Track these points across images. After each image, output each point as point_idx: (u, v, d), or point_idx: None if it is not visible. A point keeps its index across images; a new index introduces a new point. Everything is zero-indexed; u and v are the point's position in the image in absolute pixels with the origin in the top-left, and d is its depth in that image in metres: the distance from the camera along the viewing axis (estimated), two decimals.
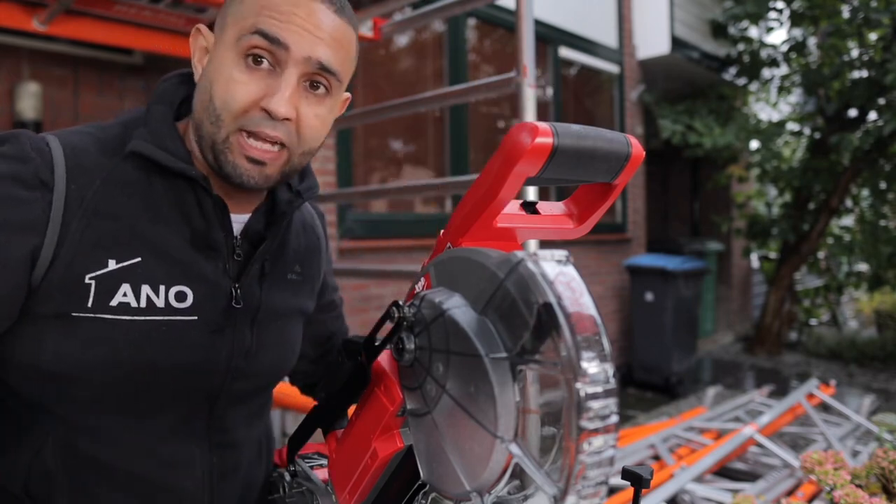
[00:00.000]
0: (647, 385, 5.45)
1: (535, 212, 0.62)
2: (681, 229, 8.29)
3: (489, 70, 4.91)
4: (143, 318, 0.76)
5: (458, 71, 4.42)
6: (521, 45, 1.86)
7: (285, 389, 2.42)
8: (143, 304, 0.77)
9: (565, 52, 5.46)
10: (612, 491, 2.75)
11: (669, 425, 3.45)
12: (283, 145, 0.79)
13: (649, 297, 5.42)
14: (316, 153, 0.85)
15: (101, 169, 0.78)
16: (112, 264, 0.75)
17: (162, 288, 0.78)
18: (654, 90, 6.46)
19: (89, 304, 0.74)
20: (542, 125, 0.51)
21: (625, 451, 3.11)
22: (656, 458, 3.07)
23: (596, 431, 0.42)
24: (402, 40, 4.38)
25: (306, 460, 0.82)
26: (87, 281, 0.74)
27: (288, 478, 0.82)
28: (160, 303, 0.77)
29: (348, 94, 0.89)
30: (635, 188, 6.18)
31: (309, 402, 2.33)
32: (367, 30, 2.46)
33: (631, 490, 0.63)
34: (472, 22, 4.71)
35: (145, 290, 0.77)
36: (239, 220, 0.87)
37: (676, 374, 5.36)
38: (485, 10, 4.52)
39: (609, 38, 5.93)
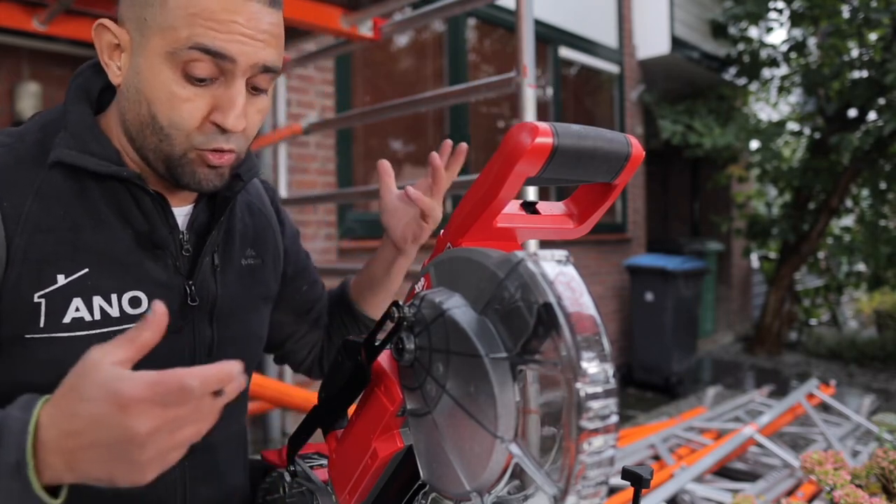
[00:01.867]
0: (647, 385, 5.45)
1: (535, 212, 0.62)
2: (681, 229, 8.29)
3: (489, 70, 4.91)
4: (98, 330, 0.73)
5: (458, 71, 4.42)
6: (521, 45, 1.86)
7: (285, 389, 2.43)
8: (97, 316, 0.74)
9: (565, 52, 5.46)
10: (612, 491, 2.75)
11: (669, 425, 3.45)
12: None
13: (649, 297, 5.41)
14: None
15: (29, 182, 0.74)
16: (61, 279, 0.72)
17: (114, 297, 0.75)
18: (654, 90, 6.46)
19: (41, 325, 0.71)
20: (542, 125, 0.51)
21: (625, 451, 3.11)
22: (656, 458, 3.07)
23: (596, 431, 0.42)
24: (402, 40, 4.38)
25: (306, 460, 0.82)
26: (36, 300, 0.71)
27: (288, 478, 0.82)
28: (114, 312, 0.75)
29: None
30: (635, 188, 6.18)
31: (309, 402, 2.33)
32: (367, 30, 2.46)
33: (631, 490, 0.63)
34: (472, 22, 4.71)
35: (97, 301, 0.74)
36: (182, 213, 0.84)
37: (676, 374, 5.36)
38: (485, 10, 4.52)
39: (609, 38, 5.93)
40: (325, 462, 0.80)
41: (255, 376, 2.49)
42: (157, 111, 0.73)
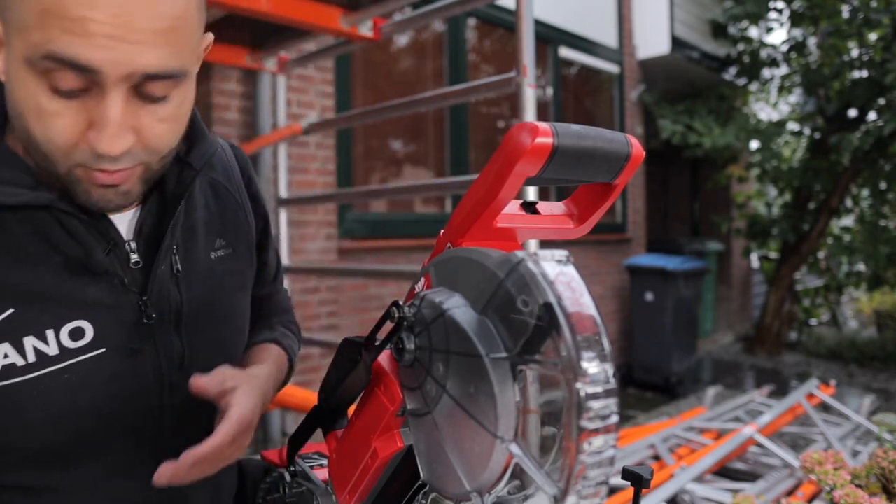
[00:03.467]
0: (647, 385, 5.45)
1: (535, 212, 0.62)
2: (681, 229, 8.29)
3: (489, 70, 4.91)
4: (35, 374, 0.65)
5: (458, 71, 4.42)
6: (521, 45, 1.86)
7: (285, 389, 2.42)
8: (31, 358, 0.65)
9: (565, 52, 5.45)
10: (612, 491, 2.75)
11: (669, 425, 3.45)
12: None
13: (649, 297, 5.41)
14: (180, 145, 0.73)
15: None
16: None
17: (50, 333, 0.66)
18: (654, 90, 6.46)
19: None
20: (543, 125, 0.51)
21: (625, 451, 3.11)
22: (656, 458, 3.07)
23: (596, 431, 0.42)
24: (402, 40, 4.38)
25: (306, 460, 0.82)
26: None
27: (288, 478, 0.82)
28: (52, 350, 0.66)
29: (209, 36, 0.73)
30: (635, 188, 6.18)
31: (309, 402, 2.33)
32: (367, 30, 2.46)
33: (631, 490, 0.63)
34: (472, 22, 4.71)
35: (30, 342, 0.65)
36: (126, 220, 0.74)
37: (676, 374, 5.36)
38: (485, 10, 4.52)
39: (609, 38, 5.93)
40: (325, 462, 0.80)
41: None
42: (30, 125, 0.62)
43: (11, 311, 0.65)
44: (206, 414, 0.75)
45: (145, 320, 0.72)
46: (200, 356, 0.78)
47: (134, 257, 0.73)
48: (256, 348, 0.93)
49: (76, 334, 0.68)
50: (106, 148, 0.60)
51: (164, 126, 0.65)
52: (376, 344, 0.59)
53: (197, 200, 0.81)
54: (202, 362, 0.76)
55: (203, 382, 0.70)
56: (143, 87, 0.61)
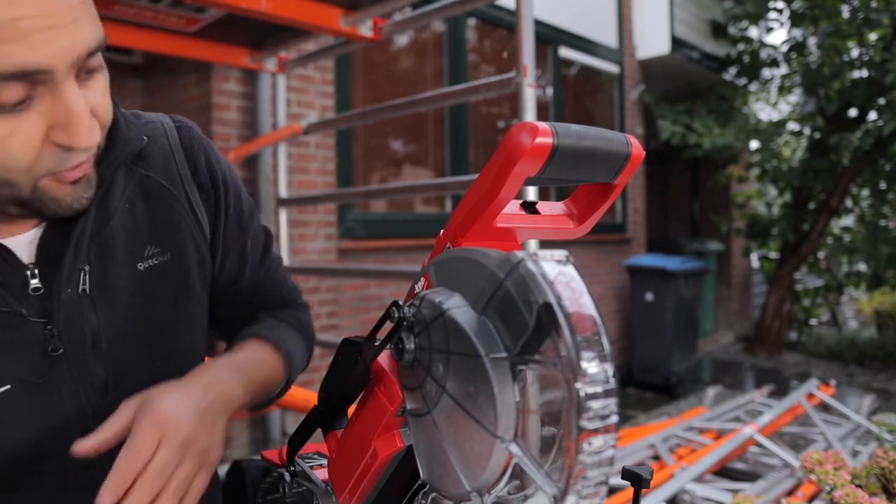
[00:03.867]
0: (647, 385, 5.45)
1: (535, 212, 0.62)
2: (681, 229, 8.29)
3: (489, 70, 4.91)
4: None
5: (458, 71, 4.42)
6: (521, 45, 1.86)
7: None
8: None
9: (565, 52, 5.46)
10: (612, 491, 2.75)
11: (669, 425, 3.45)
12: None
13: (649, 297, 5.41)
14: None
15: None
16: None
17: None
18: (653, 90, 6.46)
19: None
20: (542, 125, 0.51)
21: (625, 451, 3.11)
22: (656, 458, 3.07)
23: (596, 431, 0.42)
24: (402, 40, 4.38)
25: (306, 460, 0.82)
26: None
27: (288, 478, 0.82)
28: None
29: None
30: (635, 188, 6.18)
31: (308, 402, 2.32)
32: (367, 30, 2.46)
33: (631, 490, 0.63)
34: (472, 22, 4.71)
35: None
36: (25, 242, 0.67)
37: (676, 374, 5.36)
38: (485, 10, 4.52)
39: (609, 38, 5.93)
40: (324, 462, 0.80)
41: None
42: None
43: None
44: None
45: (52, 352, 0.66)
46: (130, 380, 0.71)
47: (34, 283, 0.66)
48: (229, 348, 0.84)
49: None
50: (86, 142, 0.58)
51: (105, 98, 0.63)
52: (376, 344, 0.59)
53: (115, 207, 0.72)
54: (133, 387, 0.69)
55: (91, 442, 0.60)
56: (83, 67, 0.59)
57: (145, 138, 0.75)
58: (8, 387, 0.64)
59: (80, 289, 0.68)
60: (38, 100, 0.56)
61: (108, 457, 0.65)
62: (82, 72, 0.59)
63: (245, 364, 0.77)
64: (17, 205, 0.62)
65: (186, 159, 0.79)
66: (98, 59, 0.61)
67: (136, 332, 0.72)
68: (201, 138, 0.83)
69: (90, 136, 0.58)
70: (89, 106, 0.59)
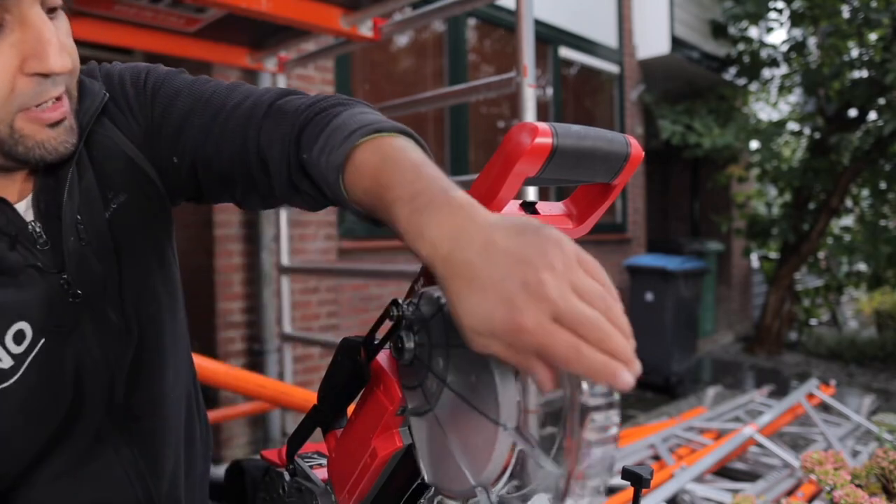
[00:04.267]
0: (647, 385, 5.45)
1: (535, 212, 0.62)
2: (681, 229, 8.29)
3: (489, 70, 4.91)
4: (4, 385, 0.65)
5: (458, 71, 4.42)
6: (521, 45, 1.86)
7: (285, 389, 2.43)
8: None
9: (565, 52, 5.46)
10: (612, 491, 2.75)
11: (669, 425, 3.45)
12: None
13: (649, 297, 5.41)
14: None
15: None
16: None
17: None
18: (653, 90, 6.46)
19: None
20: (542, 125, 0.51)
21: (625, 451, 3.11)
22: (656, 458, 3.07)
23: (597, 443, 0.42)
24: (402, 40, 4.38)
25: (306, 460, 0.82)
26: None
27: (287, 477, 0.82)
28: (6, 363, 0.65)
29: None
30: (635, 188, 6.18)
31: (308, 402, 2.32)
32: (367, 30, 2.46)
33: (631, 490, 0.63)
34: (472, 22, 4.71)
35: None
36: (25, 205, 0.70)
37: (676, 374, 5.36)
38: (485, 10, 4.52)
39: (609, 38, 5.93)
40: (324, 461, 0.80)
41: (255, 376, 2.49)
42: None
43: None
44: (158, 375, 0.76)
45: (70, 299, 0.69)
46: (135, 324, 0.75)
47: (42, 238, 0.69)
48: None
49: (19, 337, 0.66)
50: (57, 64, 0.59)
51: (69, 40, 0.64)
52: (375, 343, 0.59)
53: (92, 157, 0.74)
54: (139, 328, 0.75)
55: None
56: (45, 2, 0.61)
57: (106, 94, 0.75)
58: (44, 340, 0.67)
59: (81, 238, 0.71)
60: (7, 30, 0.58)
61: (140, 404, 0.74)
62: (44, 6, 0.60)
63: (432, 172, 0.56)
64: (2, 154, 0.63)
65: (114, 93, 0.77)
66: (58, 1, 0.62)
67: (128, 277, 0.74)
68: (116, 70, 0.80)
69: (61, 59, 0.60)
70: (54, 30, 0.60)
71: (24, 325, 0.67)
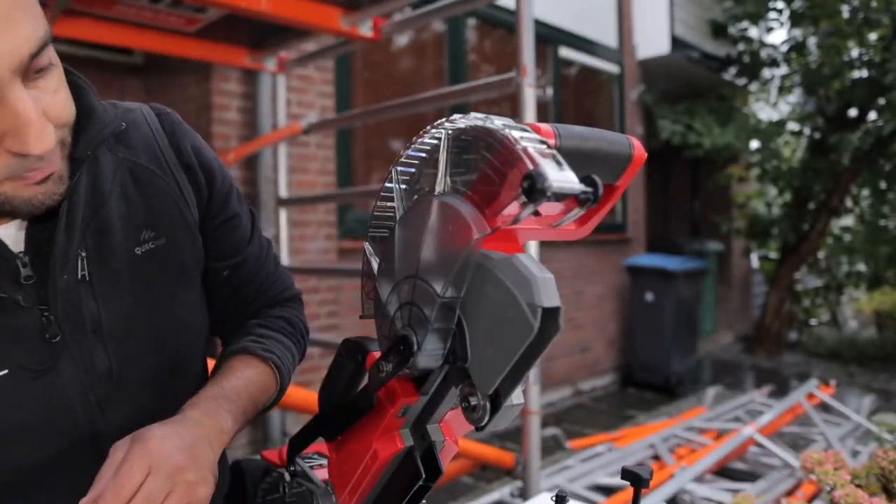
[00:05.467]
0: (647, 385, 5.45)
1: (537, 213, 0.61)
2: (681, 229, 8.29)
3: (489, 70, 4.91)
4: None
5: (458, 71, 4.42)
6: (521, 45, 1.86)
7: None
8: None
9: (565, 52, 5.45)
10: (612, 491, 2.75)
11: (669, 425, 3.45)
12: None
13: (649, 297, 5.42)
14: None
15: None
16: None
17: None
18: (653, 90, 6.46)
19: None
20: (545, 126, 0.51)
21: (625, 451, 3.12)
22: (656, 458, 3.07)
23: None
24: (402, 40, 4.38)
25: (306, 460, 0.82)
26: None
27: (288, 478, 0.82)
28: None
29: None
30: (635, 188, 6.18)
31: (308, 402, 2.31)
32: (367, 30, 2.46)
33: (631, 490, 0.62)
34: (472, 22, 4.71)
35: None
36: (11, 231, 0.66)
37: (676, 374, 5.36)
38: (485, 10, 4.52)
39: (609, 38, 5.93)
40: (325, 462, 0.80)
41: None
42: None
43: None
44: (157, 409, 0.71)
45: (48, 336, 0.65)
46: (134, 366, 0.72)
47: (25, 272, 0.65)
48: (219, 368, 0.82)
49: None
50: (37, 148, 0.55)
51: (60, 95, 0.61)
52: (381, 376, 0.57)
53: (107, 192, 0.72)
54: (138, 373, 0.72)
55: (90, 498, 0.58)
56: (30, 68, 0.56)
57: (124, 124, 0.74)
58: (6, 371, 0.63)
59: (80, 275, 0.67)
60: None
61: (126, 432, 0.67)
62: (31, 72, 0.56)
63: (234, 391, 0.76)
64: None
65: (170, 143, 0.79)
66: (47, 57, 0.58)
67: (138, 317, 0.72)
68: (181, 123, 0.82)
69: (42, 142, 0.55)
70: (41, 108, 0.56)
71: None
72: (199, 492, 0.62)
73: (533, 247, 1.87)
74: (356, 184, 3.91)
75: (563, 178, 0.45)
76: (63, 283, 0.66)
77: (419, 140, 0.56)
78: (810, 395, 3.69)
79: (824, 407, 3.77)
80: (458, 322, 0.50)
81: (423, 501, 0.59)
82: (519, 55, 1.87)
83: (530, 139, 0.47)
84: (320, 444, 0.82)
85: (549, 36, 5.20)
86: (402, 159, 0.57)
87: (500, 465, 2.29)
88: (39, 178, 0.60)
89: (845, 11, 6.02)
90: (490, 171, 0.49)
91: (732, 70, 6.93)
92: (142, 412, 0.71)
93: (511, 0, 1.90)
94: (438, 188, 0.54)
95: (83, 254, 0.68)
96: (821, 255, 7.53)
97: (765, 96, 7.57)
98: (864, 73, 6.05)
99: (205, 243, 0.82)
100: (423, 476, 0.57)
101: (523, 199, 0.45)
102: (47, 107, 0.58)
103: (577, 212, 0.48)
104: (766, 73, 6.95)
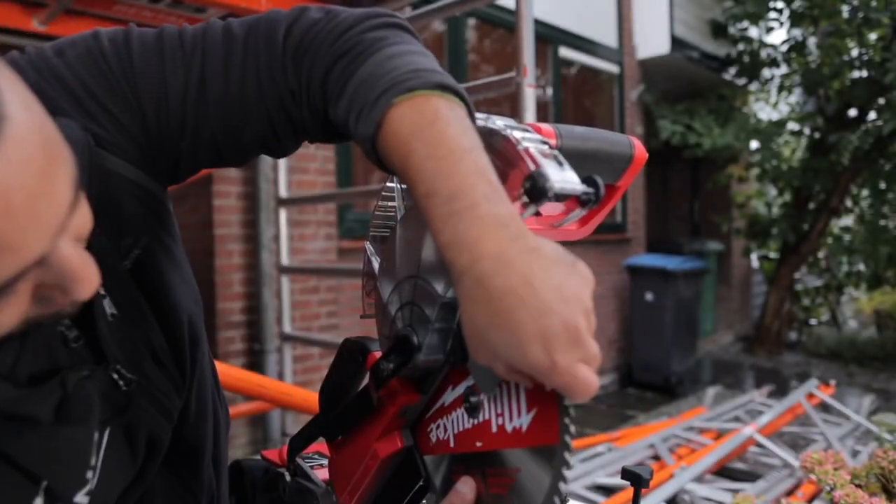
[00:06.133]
0: (647, 385, 5.45)
1: (538, 213, 0.61)
2: (681, 229, 8.29)
3: (489, 70, 4.91)
4: None
5: (458, 71, 4.42)
6: (521, 45, 1.86)
7: (285, 389, 2.42)
8: None
9: (565, 52, 5.46)
10: (612, 491, 2.75)
11: (669, 425, 3.46)
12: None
13: (649, 297, 5.42)
14: None
15: None
16: None
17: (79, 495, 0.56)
18: (653, 90, 6.46)
19: None
20: (546, 126, 0.51)
21: (625, 451, 3.12)
22: (656, 458, 3.07)
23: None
24: None
25: (306, 460, 0.82)
26: None
27: (288, 477, 0.82)
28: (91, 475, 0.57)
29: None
30: (635, 188, 6.18)
31: (308, 402, 2.31)
32: None
33: (631, 490, 0.62)
34: (472, 22, 4.71)
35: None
36: None
37: (676, 374, 5.36)
38: (485, 10, 4.52)
39: (609, 38, 5.93)
40: (325, 462, 0.80)
41: (255, 376, 2.49)
42: None
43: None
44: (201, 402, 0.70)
45: (125, 386, 0.60)
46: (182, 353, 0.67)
47: (71, 335, 0.57)
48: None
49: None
50: (87, 295, 0.47)
51: (82, 209, 0.47)
52: (382, 375, 0.57)
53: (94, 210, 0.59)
54: (185, 360, 0.67)
55: None
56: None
57: (90, 137, 0.58)
58: (109, 430, 0.59)
59: (110, 314, 0.59)
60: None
61: (191, 434, 0.68)
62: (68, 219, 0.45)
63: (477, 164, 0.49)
64: None
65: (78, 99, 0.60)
66: (83, 233, 0.48)
67: (163, 321, 0.65)
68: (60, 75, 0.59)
69: (91, 287, 0.47)
70: (79, 250, 0.47)
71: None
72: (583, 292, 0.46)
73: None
74: (356, 184, 3.91)
75: (564, 178, 0.45)
76: (103, 328, 0.59)
77: None
78: (810, 395, 3.69)
79: (824, 407, 3.77)
80: (459, 322, 0.50)
81: (424, 502, 0.59)
82: (519, 55, 1.86)
83: (532, 139, 0.47)
84: (320, 444, 0.82)
85: (549, 36, 5.20)
86: None
87: None
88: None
89: (845, 11, 6.02)
90: None
91: (732, 70, 6.93)
92: (199, 398, 0.70)
93: (511, 0, 1.90)
94: None
95: (102, 291, 0.59)
96: (821, 255, 7.54)
97: (765, 96, 7.57)
98: (864, 73, 6.05)
99: (195, 153, 0.65)
100: (424, 476, 0.57)
101: (525, 199, 0.45)
102: (78, 230, 0.47)
103: (579, 212, 0.48)
104: (766, 73, 6.95)
